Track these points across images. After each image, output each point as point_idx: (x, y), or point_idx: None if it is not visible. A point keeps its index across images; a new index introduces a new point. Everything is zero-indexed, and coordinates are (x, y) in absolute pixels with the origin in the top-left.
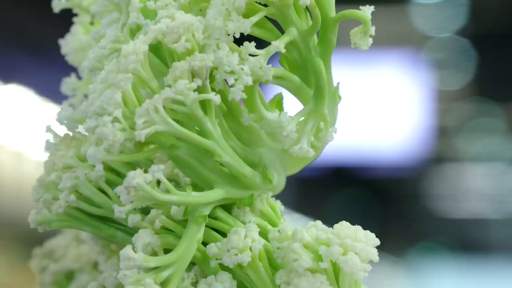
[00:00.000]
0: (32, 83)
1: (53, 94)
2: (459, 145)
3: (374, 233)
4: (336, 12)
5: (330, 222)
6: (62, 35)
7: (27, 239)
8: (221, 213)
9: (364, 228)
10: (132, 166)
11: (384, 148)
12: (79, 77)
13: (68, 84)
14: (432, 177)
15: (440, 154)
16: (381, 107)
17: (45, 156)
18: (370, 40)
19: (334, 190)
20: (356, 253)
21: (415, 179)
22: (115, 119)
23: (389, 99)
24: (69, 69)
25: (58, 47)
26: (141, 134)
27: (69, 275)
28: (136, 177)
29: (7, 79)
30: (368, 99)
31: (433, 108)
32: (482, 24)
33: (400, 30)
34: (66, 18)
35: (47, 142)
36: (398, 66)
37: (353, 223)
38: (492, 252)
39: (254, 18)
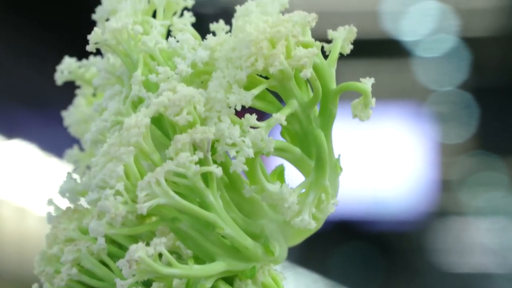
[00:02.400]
0: (35, 138)
1: (56, 149)
2: (462, 199)
3: (378, 287)
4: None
5: (333, 276)
6: (64, 91)
7: None
8: (223, 286)
9: (368, 283)
10: (134, 238)
11: (388, 201)
12: (81, 149)
13: (70, 155)
14: (436, 231)
15: (443, 207)
16: (384, 160)
17: (47, 223)
18: (371, 112)
19: (338, 243)
20: None
21: (419, 233)
22: (117, 192)
23: (392, 152)
24: None
25: (60, 103)
26: (143, 207)
27: None
28: (138, 250)
29: (10, 134)
30: (371, 152)
31: (436, 161)
32: (484, 78)
33: (402, 84)
34: None
35: (49, 214)
36: (401, 119)
37: (356, 277)
38: None
39: (255, 91)
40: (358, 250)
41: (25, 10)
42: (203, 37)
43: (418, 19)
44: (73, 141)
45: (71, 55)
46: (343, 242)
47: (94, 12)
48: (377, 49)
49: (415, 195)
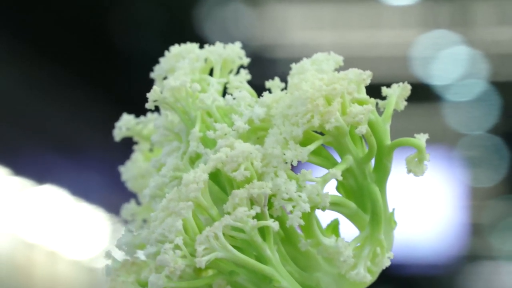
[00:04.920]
0: (65, 184)
1: (86, 194)
2: (493, 243)
3: None
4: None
5: None
6: (94, 138)
7: None
8: None
9: None
10: None
11: (418, 245)
12: (138, 203)
13: (127, 209)
14: (467, 275)
15: (474, 251)
16: (415, 203)
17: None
18: (426, 167)
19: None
20: None
21: (450, 277)
22: (176, 246)
23: (423, 196)
24: (101, 170)
25: (90, 148)
26: (202, 261)
27: None
28: None
29: (42, 180)
30: (402, 196)
31: (466, 205)
32: None
33: (433, 128)
34: (98, 120)
35: (107, 267)
36: (432, 163)
37: None
38: None
39: (311, 147)
40: None
41: (60, 58)
42: None
43: (448, 64)
44: (103, 187)
45: (103, 103)
46: (374, 286)
47: (126, 62)
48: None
49: (446, 239)
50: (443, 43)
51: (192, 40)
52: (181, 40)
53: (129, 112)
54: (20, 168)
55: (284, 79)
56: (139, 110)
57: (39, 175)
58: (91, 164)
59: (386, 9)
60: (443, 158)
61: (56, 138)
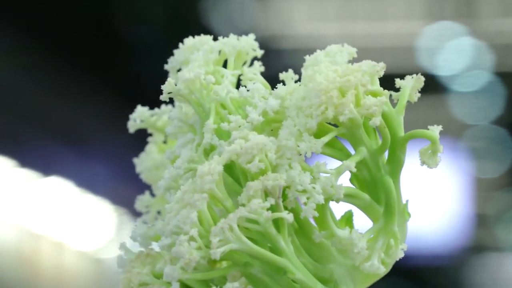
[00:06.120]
0: (71, 175)
1: (91, 185)
2: (498, 234)
3: None
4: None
5: None
6: (99, 129)
7: None
8: None
9: None
10: (206, 283)
11: (424, 236)
12: (152, 195)
13: (142, 201)
14: (472, 266)
15: (479, 242)
16: (421, 195)
17: (118, 267)
18: (439, 159)
19: None
20: None
21: (455, 268)
22: (191, 238)
23: (428, 187)
24: (107, 162)
25: (95, 140)
26: (217, 252)
27: None
28: None
29: (47, 172)
30: (407, 187)
31: (472, 196)
32: None
33: (438, 119)
34: (103, 112)
35: (120, 258)
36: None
37: None
38: None
39: (325, 139)
40: (395, 285)
41: (64, 49)
42: None
43: (453, 55)
44: (108, 179)
45: (108, 94)
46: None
47: (131, 53)
48: None
49: (451, 230)
50: (448, 34)
51: (198, 31)
52: (186, 31)
53: (134, 103)
54: (26, 160)
55: (290, 70)
56: (146, 101)
57: (45, 167)
58: (96, 156)
59: (391, 0)
60: (449, 149)
61: (61, 130)
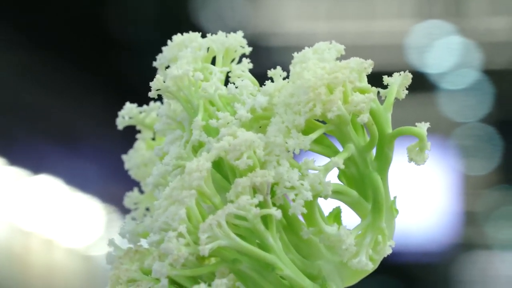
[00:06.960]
0: (60, 173)
1: (81, 183)
2: (487, 232)
3: None
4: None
5: None
6: (90, 127)
7: None
8: None
9: None
10: (195, 279)
11: (413, 233)
12: (141, 191)
13: (130, 198)
14: (461, 263)
15: (468, 240)
16: (410, 192)
17: (107, 264)
18: (427, 155)
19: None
20: None
21: (444, 265)
22: (180, 234)
23: (417, 185)
24: (96, 160)
25: (85, 138)
26: (205, 249)
27: None
28: None
29: (37, 170)
30: (396, 185)
31: (461, 193)
32: (507, 111)
33: (427, 117)
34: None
35: (110, 254)
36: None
37: None
38: None
39: (313, 135)
40: (383, 283)
41: (55, 47)
42: None
43: (442, 53)
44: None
45: (98, 93)
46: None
47: (122, 51)
48: None
49: (440, 227)
50: (437, 32)
51: (188, 29)
52: (177, 29)
53: (125, 101)
54: (15, 158)
55: (278, 68)
56: (135, 99)
57: (35, 165)
58: (86, 154)
59: None
60: (438, 146)
61: (51, 128)
